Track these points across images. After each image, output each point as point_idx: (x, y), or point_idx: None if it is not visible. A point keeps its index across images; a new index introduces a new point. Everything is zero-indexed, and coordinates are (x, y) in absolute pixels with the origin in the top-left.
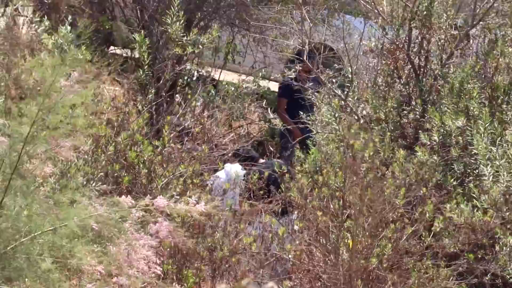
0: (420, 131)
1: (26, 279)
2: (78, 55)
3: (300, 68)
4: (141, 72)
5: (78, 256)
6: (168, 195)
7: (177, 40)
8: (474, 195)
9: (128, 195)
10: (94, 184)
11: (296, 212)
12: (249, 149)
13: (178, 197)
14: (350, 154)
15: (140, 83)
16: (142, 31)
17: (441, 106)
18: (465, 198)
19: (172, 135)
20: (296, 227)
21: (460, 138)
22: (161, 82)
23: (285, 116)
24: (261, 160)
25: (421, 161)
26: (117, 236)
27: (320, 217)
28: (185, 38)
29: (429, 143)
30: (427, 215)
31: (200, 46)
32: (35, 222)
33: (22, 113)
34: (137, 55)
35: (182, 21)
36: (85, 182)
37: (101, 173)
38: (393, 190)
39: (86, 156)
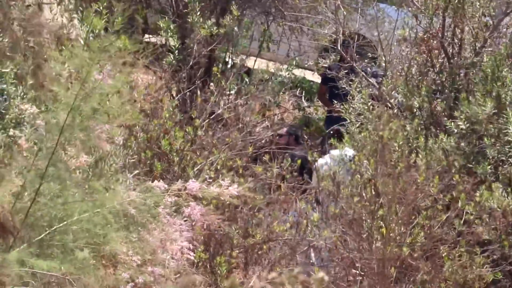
0: (451, 119)
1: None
2: (112, 42)
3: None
4: (171, 57)
5: (112, 243)
6: (200, 179)
7: (199, 24)
8: (508, 181)
9: (161, 181)
10: (127, 171)
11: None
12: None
13: (210, 180)
14: (380, 143)
15: (172, 69)
16: (168, 17)
17: (474, 94)
18: (499, 185)
19: (204, 122)
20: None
21: (491, 126)
22: (190, 65)
23: (324, 100)
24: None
25: (448, 148)
26: (151, 222)
27: (354, 205)
28: (208, 22)
29: (456, 130)
30: (460, 203)
31: (222, 29)
32: (70, 209)
33: (58, 100)
34: (170, 43)
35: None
36: (118, 169)
37: (133, 160)
38: (426, 178)
39: (120, 145)
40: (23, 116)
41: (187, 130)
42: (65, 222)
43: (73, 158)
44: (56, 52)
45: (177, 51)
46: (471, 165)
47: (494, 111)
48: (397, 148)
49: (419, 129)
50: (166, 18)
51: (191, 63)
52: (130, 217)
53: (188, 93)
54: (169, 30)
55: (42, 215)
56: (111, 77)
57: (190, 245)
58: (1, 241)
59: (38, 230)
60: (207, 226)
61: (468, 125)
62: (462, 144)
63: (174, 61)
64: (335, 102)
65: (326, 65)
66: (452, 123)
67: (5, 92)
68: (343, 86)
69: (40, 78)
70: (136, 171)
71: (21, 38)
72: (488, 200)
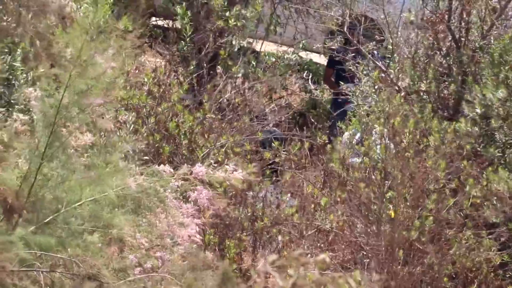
0: (460, 102)
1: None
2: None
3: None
4: (183, 44)
5: (118, 226)
6: (206, 163)
7: (219, 13)
8: None
9: (168, 165)
10: (135, 155)
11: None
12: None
13: (216, 165)
14: (392, 129)
15: (181, 54)
16: (184, 3)
17: (481, 78)
18: (506, 168)
19: (213, 106)
20: None
21: (501, 109)
22: (202, 53)
23: (331, 83)
24: None
25: (464, 133)
26: (157, 206)
27: (363, 188)
28: (228, 12)
29: (471, 115)
30: (467, 187)
31: (243, 20)
32: (75, 192)
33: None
34: (178, 26)
35: None
36: (127, 152)
37: (143, 145)
38: (434, 162)
39: (127, 126)
40: (28, 100)
41: (194, 115)
42: (71, 206)
43: (74, 137)
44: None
45: (188, 38)
46: (479, 148)
47: (506, 96)
48: (407, 133)
49: (430, 112)
50: (177, 2)
51: (203, 52)
52: (137, 201)
53: (196, 78)
54: (185, 17)
55: (44, 196)
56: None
57: (197, 228)
58: (4, 223)
59: (44, 212)
60: (215, 211)
61: (483, 110)
62: (476, 128)
63: (185, 48)
64: (342, 84)
65: (333, 47)
66: (467, 107)
67: (15, 81)
68: (350, 68)
69: (48, 59)
70: (145, 157)
71: (25, 18)
72: (495, 183)
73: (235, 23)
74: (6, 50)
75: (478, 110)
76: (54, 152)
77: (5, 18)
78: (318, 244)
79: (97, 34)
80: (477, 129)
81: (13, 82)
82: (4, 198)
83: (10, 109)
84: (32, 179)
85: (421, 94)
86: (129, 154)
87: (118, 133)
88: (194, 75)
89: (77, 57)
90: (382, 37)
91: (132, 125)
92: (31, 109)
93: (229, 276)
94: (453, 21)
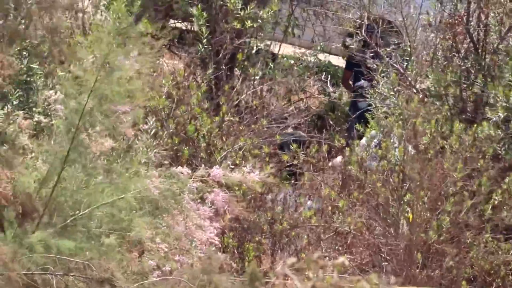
0: (481, 105)
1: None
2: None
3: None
4: (200, 46)
5: (136, 228)
6: (223, 165)
7: (235, 13)
8: None
9: (185, 167)
10: (154, 158)
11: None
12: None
13: (233, 167)
14: (411, 129)
15: (199, 57)
16: (200, 4)
17: (500, 81)
18: None
19: (231, 109)
20: None
21: None
22: (220, 56)
23: (348, 85)
24: None
25: (485, 136)
26: (175, 208)
27: (380, 191)
28: (243, 12)
29: (494, 118)
30: (483, 188)
31: (259, 21)
32: (94, 195)
33: (79, 84)
34: (195, 28)
35: None
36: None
37: (163, 150)
38: (452, 164)
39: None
40: (48, 103)
41: (213, 119)
42: (89, 209)
43: (95, 142)
44: (80, 35)
45: (205, 40)
46: (500, 152)
47: None
48: (428, 134)
49: (450, 114)
50: (195, 4)
51: (221, 54)
52: (155, 203)
53: (214, 80)
54: (201, 19)
55: (65, 200)
56: (136, 61)
57: (215, 230)
58: (22, 227)
59: (62, 216)
60: (233, 213)
61: (505, 113)
62: (499, 132)
63: (203, 49)
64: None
65: (353, 47)
66: (490, 111)
67: (33, 83)
68: (368, 70)
69: (59, 56)
70: (165, 161)
71: (37, 15)
72: None
73: (251, 24)
74: (25, 53)
75: (501, 114)
76: (76, 157)
77: (21, 20)
78: (336, 247)
79: (122, 38)
80: (500, 132)
81: (33, 85)
82: (17, 201)
83: (29, 112)
84: (51, 182)
85: (441, 97)
86: (149, 159)
87: (138, 138)
88: (212, 77)
89: (103, 61)
90: (399, 41)
91: (153, 130)
92: (49, 112)
93: (257, 277)
94: (471, 23)
